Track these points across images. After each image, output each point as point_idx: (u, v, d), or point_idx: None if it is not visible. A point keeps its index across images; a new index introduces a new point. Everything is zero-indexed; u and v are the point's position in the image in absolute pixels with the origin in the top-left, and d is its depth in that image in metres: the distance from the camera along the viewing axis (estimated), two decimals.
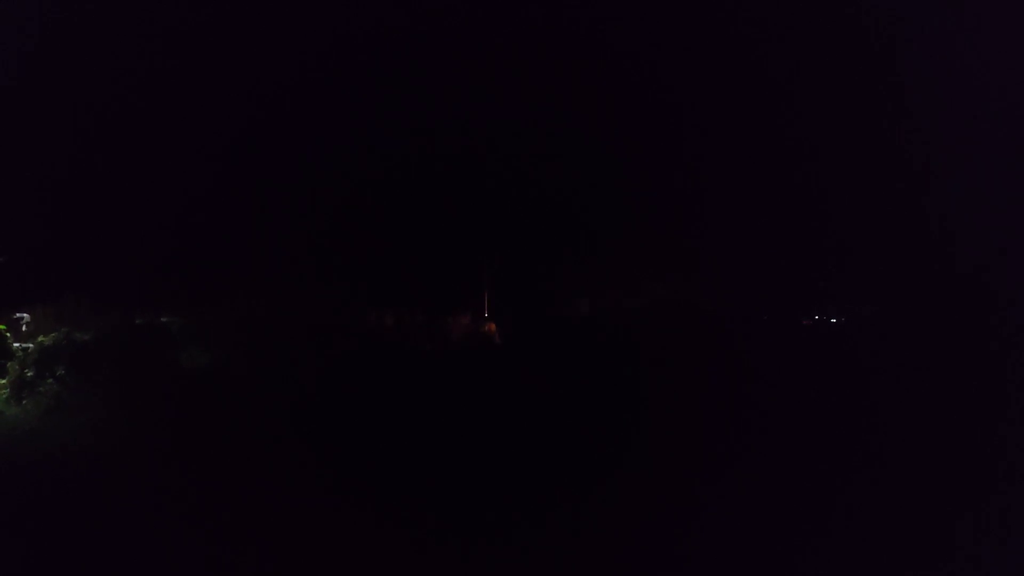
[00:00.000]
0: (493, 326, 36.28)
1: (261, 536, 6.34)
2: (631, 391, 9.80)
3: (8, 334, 17.07)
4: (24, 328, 18.93)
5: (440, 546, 6.11)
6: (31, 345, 15.46)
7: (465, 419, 9.35)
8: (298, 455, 8.69)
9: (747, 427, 8.38)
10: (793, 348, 12.69)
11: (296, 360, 13.56)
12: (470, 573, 5.84)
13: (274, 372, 12.74)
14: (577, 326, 17.36)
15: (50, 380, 13.49)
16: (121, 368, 13.36)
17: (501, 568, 5.83)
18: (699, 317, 14.32)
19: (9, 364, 14.95)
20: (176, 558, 5.90)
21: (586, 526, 6.38)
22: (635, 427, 8.75)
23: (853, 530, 5.81)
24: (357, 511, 6.71)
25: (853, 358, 11.12)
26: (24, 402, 13.41)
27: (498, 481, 7.70)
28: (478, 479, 7.73)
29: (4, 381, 14.55)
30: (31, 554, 5.90)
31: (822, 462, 7.13)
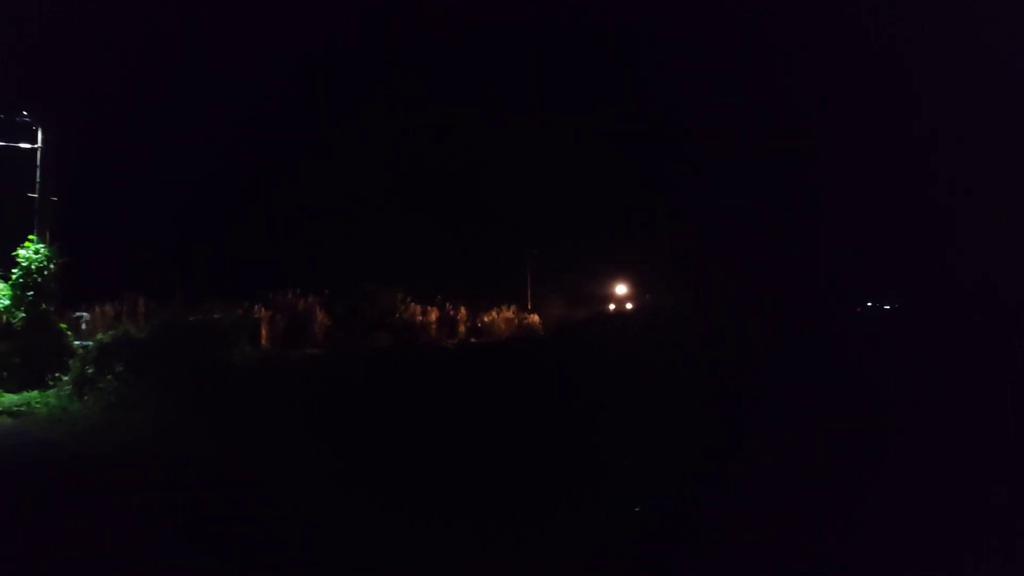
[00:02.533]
0: (536, 317, 36.33)
1: (316, 530, 6.47)
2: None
3: (69, 332, 17.72)
4: (83, 327, 19.62)
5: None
6: (91, 343, 16.03)
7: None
8: (348, 448, 8.84)
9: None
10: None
11: (347, 353, 13.77)
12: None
13: (327, 365, 12.95)
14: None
15: (109, 377, 13.95)
16: (174, 364, 13.71)
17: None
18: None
19: (71, 361, 15.53)
20: (228, 548, 6.07)
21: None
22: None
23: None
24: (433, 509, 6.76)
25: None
26: (85, 398, 13.90)
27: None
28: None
29: (67, 378, 15.12)
30: (95, 544, 6.13)
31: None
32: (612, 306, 37.33)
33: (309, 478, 8.00)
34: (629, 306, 36.59)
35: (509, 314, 34.14)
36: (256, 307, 24.31)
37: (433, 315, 30.93)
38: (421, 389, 10.34)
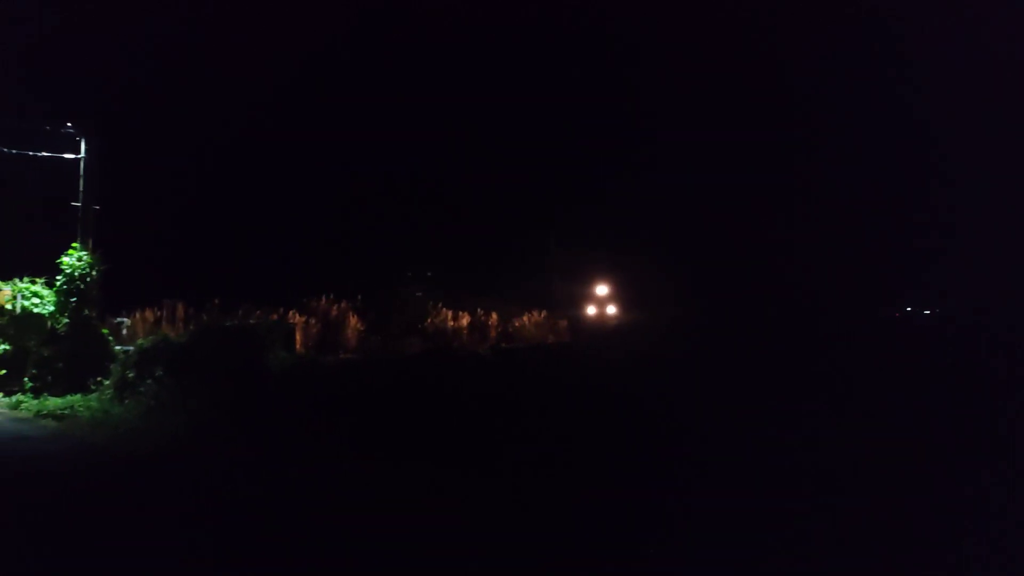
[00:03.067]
0: (564, 322, 36.17)
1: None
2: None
3: (111, 338, 18.12)
4: (124, 332, 20.03)
5: None
6: (131, 348, 16.38)
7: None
8: (382, 451, 8.91)
9: None
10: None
11: (380, 359, 13.87)
12: None
13: (361, 370, 13.06)
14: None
15: (149, 381, 14.23)
16: (211, 369, 13.94)
17: None
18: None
19: (112, 366, 15.88)
20: (262, 546, 6.15)
21: None
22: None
23: None
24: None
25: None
26: (126, 401, 14.20)
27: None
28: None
29: (108, 382, 15.46)
30: (135, 542, 6.26)
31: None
32: (592, 308, 36.54)
33: (343, 480, 8.10)
34: (612, 309, 35.74)
35: (539, 319, 34.08)
36: (291, 313, 24.68)
37: (464, 320, 31.05)
38: (456, 394, 10.37)
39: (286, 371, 14.76)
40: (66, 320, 17.17)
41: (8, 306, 16.94)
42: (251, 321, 17.39)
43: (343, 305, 26.94)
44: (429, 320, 29.60)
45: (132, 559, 5.86)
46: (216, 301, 23.57)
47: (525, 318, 33.75)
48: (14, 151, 19.00)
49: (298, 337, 22.51)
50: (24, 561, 5.91)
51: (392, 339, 26.17)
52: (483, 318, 32.28)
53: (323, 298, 26.76)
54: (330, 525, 6.64)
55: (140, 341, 16.06)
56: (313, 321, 25.41)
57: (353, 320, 26.72)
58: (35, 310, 17.04)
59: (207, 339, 15.18)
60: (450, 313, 30.76)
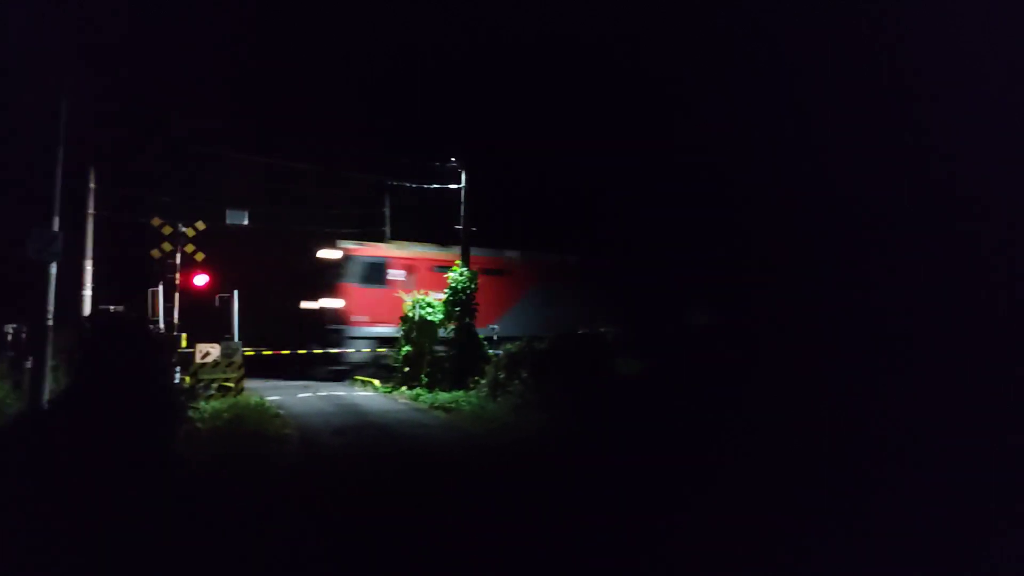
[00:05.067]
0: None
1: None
2: None
3: (484, 342, 20.81)
4: (495, 337, 22.76)
5: None
6: (501, 352, 18.64)
7: None
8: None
9: None
10: None
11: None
12: None
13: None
14: None
15: (516, 382, 16.09)
16: (567, 372, 15.25)
17: None
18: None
19: (487, 367, 18.24)
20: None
21: None
22: None
23: None
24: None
25: None
26: (498, 399, 16.23)
27: None
28: None
29: (483, 381, 17.80)
30: (499, 516, 7.34)
31: None
32: None
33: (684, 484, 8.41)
34: None
35: None
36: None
37: None
38: None
39: (633, 376, 15.55)
40: (452, 326, 20.20)
41: (410, 314, 20.42)
42: (601, 329, 18.55)
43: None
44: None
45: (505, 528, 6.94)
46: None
47: None
48: (412, 184, 22.96)
49: None
50: (431, 520, 7.36)
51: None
52: None
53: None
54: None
55: (508, 346, 18.16)
56: None
57: None
58: (428, 318, 20.27)
59: (562, 345, 16.62)
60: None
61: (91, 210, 20.58)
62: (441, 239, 25.13)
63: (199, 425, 12.59)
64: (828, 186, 11.88)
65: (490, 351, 20.21)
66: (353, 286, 23.03)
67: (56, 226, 13.42)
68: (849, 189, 11.28)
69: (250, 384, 18.35)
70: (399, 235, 27.69)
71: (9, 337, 18.61)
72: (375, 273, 23.42)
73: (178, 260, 17.42)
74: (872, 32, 11.16)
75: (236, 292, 19.73)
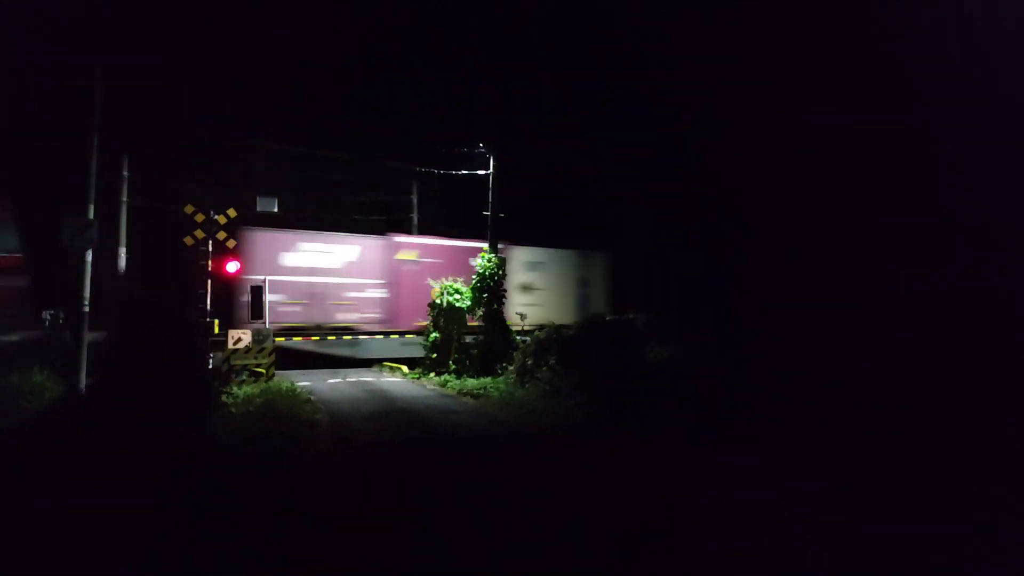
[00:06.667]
0: None
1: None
2: None
3: (512, 328, 20.81)
4: (522, 323, 22.71)
5: None
6: (528, 338, 18.63)
7: None
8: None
9: None
10: None
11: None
12: None
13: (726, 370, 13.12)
14: None
15: (544, 368, 16.08)
16: (595, 359, 15.19)
17: None
18: None
19: (515, 354, 18.25)
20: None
21: None
22: None
23: None
24: None
25: None
26: (527, 385, 16.24)
27: None
28: None
29: (511, 368, 17.81)
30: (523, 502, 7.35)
31: None
32: None
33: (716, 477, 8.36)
34: None
35: None
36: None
37: None
38: None
39: (661, 364, 15.46)
40: (480, 312, 20.23)
41: (438, 301, 20.48)
42: (630, 316, 18.45)
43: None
44: None
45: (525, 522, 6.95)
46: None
47: None
48: (440, 171, 22.97)
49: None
50: (466, 501, 7.40)
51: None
52: None
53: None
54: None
55: (536, 332, 18.13)
56: None
57: None
58: (456, 304, 20.31)
59: (591, 332, 16.57)
60: None
61: (125, 198, 20.90)
62: (469, 226, 25.20)
63: (232, 409, 12.77)
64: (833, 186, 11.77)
65: (519, 337, 20.22)
66: None
67: (91, 213, 13.67)
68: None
69: (281, 371, 18.58)
70: (424, 222, 27.91)
71: (47, 323, 18.98)
72: None
73: (210, 247, 17.61)
74: (874, 32, 11.00)
75: (266, 279, 19.92)
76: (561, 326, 17.39)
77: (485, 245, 21.26)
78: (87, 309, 13.45)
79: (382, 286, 22.91)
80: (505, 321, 20.59)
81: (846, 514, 6.57)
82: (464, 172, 22.01)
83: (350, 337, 22.21)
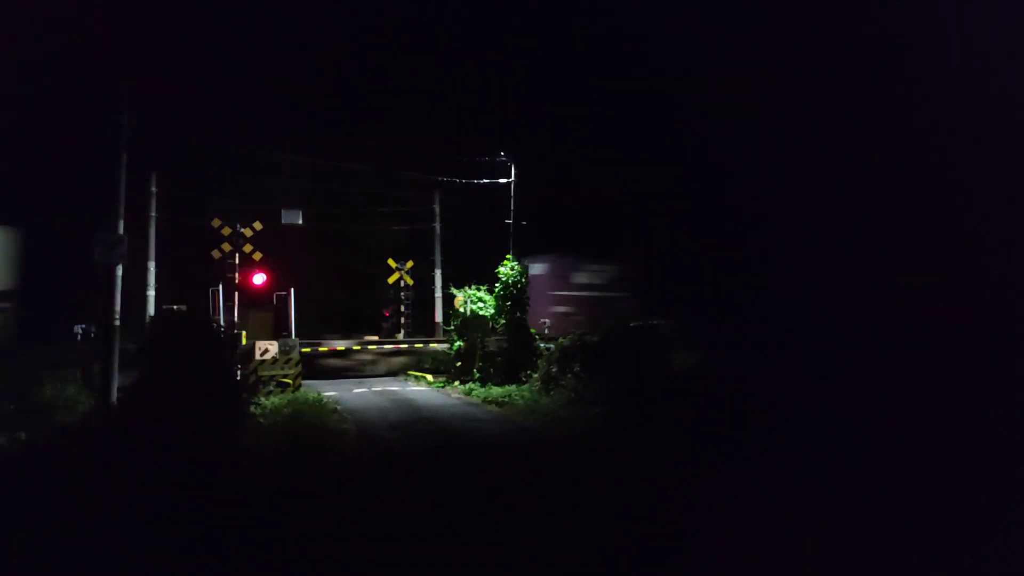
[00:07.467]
0: None
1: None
2: None
3: (537, 336, 20.83)
4: (546, 331, 22.75)
5: None
6: (552, 345, 18.64)
7: None
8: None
9: None
10: None
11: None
12: None
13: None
14: None
15: (568, 375, 16.06)
16: (620, 366, 15.12)
17: None
18: None
19: (539, 361, 18.26)
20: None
21: None
22: None
23: None
24: None
25: None
26: (551, 393, 16.22)
27: None
28: None
29: (536, 375, 17.82)
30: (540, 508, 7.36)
31: None
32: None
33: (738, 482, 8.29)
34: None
35: None
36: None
37: None
38: None
39: (687, 371, 15.37)
40: (503, 321, 20.27)
41: (462, 309, 20.57)
42: (654, 322, 18.38)
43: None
44: None
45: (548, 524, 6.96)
46: (628, 300, 25.70)
47: None
48: (462, 180, 23.11)
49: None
50: (488, 512, 7.43)
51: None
52: None
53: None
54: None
55: (560, 340, 18.12)
56: None
57: None
58: (480, 312, 20.38)
59: (615, 339, 16.51)
60: None
61: (153, 213, 21.27)
62: (490, 234, 25.33)
63: (261, 420, 12.93)
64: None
65: (543, 344, 20.22)
66: None
67: (120, 229, 13.94)
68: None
69: (306, 382, 18.76)
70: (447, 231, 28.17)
71: (79, 337, 19.35)
72: None
73: (236, 260, 17.86)
74: (875, 33, 10.90)
75: (292, 290, 20.15)
76: (585, 333, 17.35)
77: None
78: (117, 323, 13.70)
79: None
80: (529, 328, 20.61)
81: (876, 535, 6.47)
82: (486, 181, 22.10)
83: None
